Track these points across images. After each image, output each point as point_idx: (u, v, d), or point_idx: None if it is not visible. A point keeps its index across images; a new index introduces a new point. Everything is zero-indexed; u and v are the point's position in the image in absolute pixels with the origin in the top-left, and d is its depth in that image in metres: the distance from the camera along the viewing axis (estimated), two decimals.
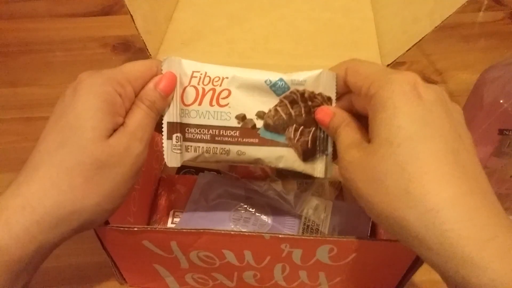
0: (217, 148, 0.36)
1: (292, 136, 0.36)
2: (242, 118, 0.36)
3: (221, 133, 0.36)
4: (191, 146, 0.36)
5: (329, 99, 0.36)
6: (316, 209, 0.48)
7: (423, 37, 0.42)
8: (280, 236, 0.36)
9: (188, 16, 0.52)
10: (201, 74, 0.36)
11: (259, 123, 0.36)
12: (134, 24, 0.42)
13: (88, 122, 0.30)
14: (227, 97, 0.36)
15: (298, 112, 0.36)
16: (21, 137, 0.60)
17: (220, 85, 0.36)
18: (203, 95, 0.36)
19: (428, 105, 0.28)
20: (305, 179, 0.52)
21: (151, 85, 0.35)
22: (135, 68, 0.35)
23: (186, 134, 0.36)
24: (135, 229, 0.36)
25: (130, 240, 0.37)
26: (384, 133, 0.28)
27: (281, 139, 0.36)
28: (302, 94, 0.36)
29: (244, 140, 0.36)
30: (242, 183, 0.51)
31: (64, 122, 0.31)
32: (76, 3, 0.80)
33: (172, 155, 0.36)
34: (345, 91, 0.35)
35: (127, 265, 0.42)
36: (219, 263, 0.40)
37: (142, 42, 0.44)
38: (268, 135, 0.36)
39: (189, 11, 0.53)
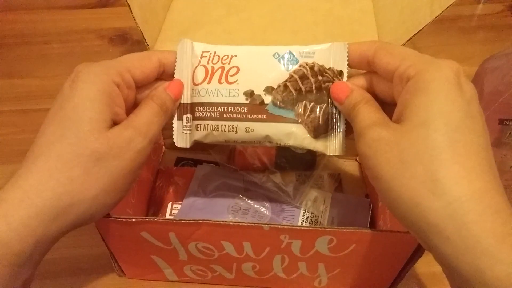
0: (225, 125, 0.36)
1: (302, 112, 0.35)
2: (250, 94, 0.36)
3: (229, 110, 0.36)
4: (200, 124, 0.36)
5: (340, 73, 0.35)
6: (315, 201, 0.48)
7: (422, 28, 0.41)
8: (279, 227, 0.36)
9: (186, 6, 0.52)
10: (210, 53, 0.37)
11: (267, 99, 0.35)
12: (132, 14, 0.42)
13: (86, 113, 0.30)
14: (235, 74, 0.36)
15: (308, 88, 0.35)
16: (18, 129, 0.59)
17: (229, 63, 0.36)
18: (212, 73, 0.36)
19: (468, 97, 0.28)
20: (304, 170, 0.52)
21: (161, 88, 0.35)
22: (134, 57, 0.35)
23: (196, 113, 0.36)
24: (134, 220, 0.36)
25: (129, 231, 0.37)
26: (422, 116, 0.28)
27: (291, 115, 0.35)
28: (312, 67, 0.35)
29: (252, 116, 0.36)
30: (241, 175, 0.50)
31: (62, 114, 0.31)
32: None
33: (181, 135, 0.37)
34: (363, 68, 0.35)
35: (126, 257, 0.42)
36: (218, 255, 0.40)
37: (139, 33, 0.44)
38: (276, 111, 0.35)
39: (187, 1, 0.53)
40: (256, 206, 0.47)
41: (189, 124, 0.37)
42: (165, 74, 0.37)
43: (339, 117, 0.35)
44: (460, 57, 0.69)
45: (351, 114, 0.33)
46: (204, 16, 0.51)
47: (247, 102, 0.36)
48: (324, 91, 0.35)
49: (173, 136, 0.37)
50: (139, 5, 0.43)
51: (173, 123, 0.37)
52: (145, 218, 0.37)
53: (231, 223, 0.36)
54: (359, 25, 0.49)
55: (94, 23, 0.74)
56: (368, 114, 0.31)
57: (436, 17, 0.40)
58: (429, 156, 0.26)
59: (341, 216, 0.47)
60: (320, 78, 0.35)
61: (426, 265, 0.42)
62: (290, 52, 0.36)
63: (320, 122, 0.35)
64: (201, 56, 0.37)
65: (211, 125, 0.36)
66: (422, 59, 0.30)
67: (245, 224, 0.36)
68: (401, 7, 0.46)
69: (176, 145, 0.37)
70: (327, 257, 0.39)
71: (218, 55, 0.36)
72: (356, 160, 0.56)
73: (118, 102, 0.32)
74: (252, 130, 0.36)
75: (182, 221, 0.36)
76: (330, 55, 0.36)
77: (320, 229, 0.36)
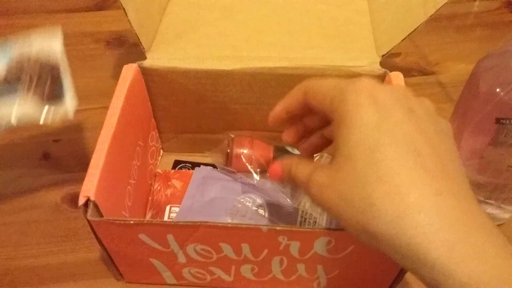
0: None
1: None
2: None
3: None
4: None
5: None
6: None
7: (417, 27, 0.42)
8: (277, 228, 0.36)
9: (181, 9, 0.52)
10: None
11: None
12: (127, 17, 0.42)
13: None
14: None
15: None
16: (15, 134, 0.59)
17: None
18: None
19: (384, 110, 0.28)
20: None
21: None
22: None
23: None
24: (131, 222, 0.36)
25: (127, 234, 0.37)
26: (344, 150, 0.28)
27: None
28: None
29: None
30: (238, 177, 0.50)
31: None
32: None
33: None
34: (305, 113, 0.35)
35: (124, 260, 0.42)
36: (216, 257, 0.40)
37: (135, 36, 0.44)
38: None
39: (182, 3, 0.53)
40: (254, 208, 0.47)
41: None
42: None
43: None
44: (457, 55, 0.69)
45: (294, 181, 0.33)
46: (199, 19, 0.51)
47: None
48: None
49: None
50: (134, 8, 0.43)
51: None
52: (143, 220, 0.37)
53: (229, 225, 0.36)
54: (354, 26, 0.50)
55: (90, 26, 0.74)
56: (302, 173, 0.32)
57: (430, 16, 0.40)
58: (361, 185, 0.26)
59: None
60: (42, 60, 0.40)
61: None
62: None
63: (46, 93, 0.40)
64: None
65: None
66: (338, 91, 0.30)
67: (243, 226, 0.36)
68: (395, 7, 0.46)
69: None
70: (325, 259, 0.39)
71: None
72: None
73: None
74: None
75: (180, 223, 0.36)
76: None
77: (318, 230, 0.36)
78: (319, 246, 0.37)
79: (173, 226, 0.37)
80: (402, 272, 0.40)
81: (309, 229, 0.37)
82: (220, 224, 0.36)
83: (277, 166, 0.36)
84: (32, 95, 0.39)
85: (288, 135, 0.38)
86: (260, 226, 0.36)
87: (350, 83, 0.29)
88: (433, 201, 0.25)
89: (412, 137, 0.27)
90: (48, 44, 0.42)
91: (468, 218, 0.24)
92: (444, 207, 0.25)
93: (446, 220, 0.24)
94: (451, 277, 0.23)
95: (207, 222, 0.36)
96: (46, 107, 0.40)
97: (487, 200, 0.47)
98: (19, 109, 0.40)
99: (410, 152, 0.26)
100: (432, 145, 0.27)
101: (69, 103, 0.41)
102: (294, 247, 0.38)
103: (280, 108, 0.36)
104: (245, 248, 0.38)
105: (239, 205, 0.48)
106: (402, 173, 0.26)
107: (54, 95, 0.41)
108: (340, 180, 0.28)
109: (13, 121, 0.40)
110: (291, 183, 0.35)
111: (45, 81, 0.40)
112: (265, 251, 0.38)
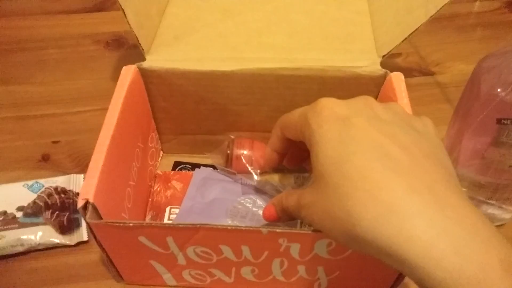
0: None
1: (49, 217, 0.47)
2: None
3: None
4: None
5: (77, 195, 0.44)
6: None
7: (417, 28, 0.41)
8: (277, 230, 0.35)
9: (181, 10, 0.52)
10: None
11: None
12: (126, 18, 0.42)
13: None
14: None
15: (54, 201, 0.48)
16: (15, 135, 0.59)
17: None
18: None
19: (346, 123, 0.29)
20: (302, 173, 0.52)
21: None
22: None
23: None
24: (131, 224, 0.36)
25: (126, 236, 0.37)
26: (317, 169, 0.29)
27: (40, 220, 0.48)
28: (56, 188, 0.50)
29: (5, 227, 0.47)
30: (239, 179, 0.50)
31: None
32: (68, 0, 0.79)
33: None
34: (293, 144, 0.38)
35: (124, 262, 0.42)
36: (216, 259, 0.39)
37: (135, 38, 0.44)
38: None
39: (182, 5, 0.53)
40: (254, 209, 0.47)
41: None
42: None
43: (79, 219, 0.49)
44: (458, 55, 0.69)
45: (288, 212, 0.35)
46: (199, 20, 0.51)
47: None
48: (67, 204, 0.49)
49: None
50: (133, 10, 0.43)
51: None
52: (143, 223, 0.37)
53: (229, 227, 0.36)
54: (354, 27, 0.49)
55: (90, 27, 0.74)
56: (292, 202, 0.34)
57: (431, 16, 0.40)
58: (337, 197, 0.27)
59: None
60: (62, 195, 0.49)
61: None
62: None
63: (65, 223, 0.47)
64: None
65: None
66: (302, 120, 0.32)
67: (243, 228, 0.36)
68: (396, 8, 0.46)
69: None
70: (326, 260, 0.39)
71: None
72: None
73: None
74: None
75: (180, 225, 0.36)
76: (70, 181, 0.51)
77: (318, 232, 0.36)
78: (320, 248, 0.37)
79: (173, 229, 0.36)
80: (402, 274, 0.40)
81: (309, 231, 0.37)
82: (220, 227, 0.36)
83: (269, 207, 0.37)
84: (53, 223, 0.47)
85: (289, 162, 0.43)
86: (260, 229, 0.35)
87: (311, 107, 0.31)
88: (406, 200, 0.25)
89: (379, 142, 0.27)
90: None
91: (446, 212, 0.24)
92: (419, 204, 0.25)
93: (422, 216, 0.24)
94: (431, 274, 0.23)
95: (207, 224, 0.35)
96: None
97: (488, 201, 0.46)
98: (42, 236, 0.47)
99: (378, 156, 0.27)
100: (401, 146, 0.27)
101: (85, 229, 0.49)
102: (295, 249, 0.37)
103: (268, 151, 0.40)
104: (245, 250, 0.38)
105: (239, 206, 0.48)
106: (372, 177, 0.26)
107: (72, 223, 0.49)
108: (320, 197, 0.29)
109: (35, 244, 0.47)
110: (287, 216, 0.36)
111: (64, 212, 0.48)
112: (266, 253, 0.38)
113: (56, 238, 0.47)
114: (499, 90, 0.39)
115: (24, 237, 0.47)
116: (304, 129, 0.31)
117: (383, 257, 0.26)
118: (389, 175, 0.26)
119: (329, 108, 0.30)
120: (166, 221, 0.49)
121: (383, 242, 0.25)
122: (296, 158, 0.43)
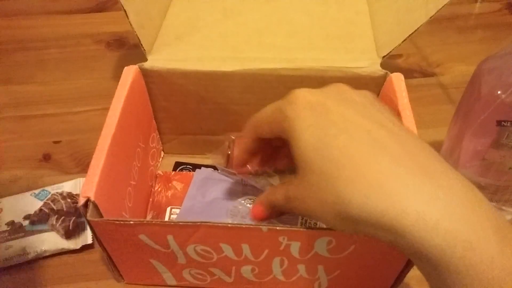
0: None
1: (54, 222, 0.47)
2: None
3: None
4: None
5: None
6: None
7: (418, 28, 0.41)
8: (278, 228, 0.35)
9: (182, 10, 0.52)
10: None
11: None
12: (128, 19, 0.42)
13: None
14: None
15: (60, 207, 0.49)
16: (16, 135, 0.59)
17: None
18: None
19: (321, 108, 0.29)
20: None
21: None
22: None
23: None
24: (131, 222, 0.36)
25: (127, 234, 0.37)
26: (299, 159, 0.29)
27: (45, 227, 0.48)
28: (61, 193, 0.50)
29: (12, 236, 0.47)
30: (239, 179, 0.50)
31: None
32: (69, 0, 0.80)
33: None
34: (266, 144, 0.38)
35: (124, 261, 0.42)
36: (216, 258, 0.39)
37: (136, 38, 0.44)
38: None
39: (183, 5, 0.53)
40: None
41: None
42: None
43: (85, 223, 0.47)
44: (458, 56, 0.69)
45: (277, 207, 0.35)
46: (200, 20, 0.51)
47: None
48: (73, 209, 0.49)
49: None
50: (135, 10, 0.43)
51: None
52: (143, 220, 0.37)
53: (229, 225, 0.36)
54: (354, 27, 0.49)
55: (91, 27, 0.74)
56: (279, 196, 0.33)
57: (431, 17, 0.40)
58: (324, 182, 0.27)
59: None
60: (69, 200, 0.50)
61: None
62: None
63: (71, 227, 0.47)
64: None
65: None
66: (279, 110, 0.32)
67: (243, 226, 0.36)
68: (396, 8, 0.46)
69: None
70: (326, 259, 0.39)
71: None
72: None
73: None
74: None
75: (180, 223, 0.36)
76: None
77: (319, 230, 0.36)
78: (320, 246, 0.37)
79: (173, 226, 0.36)
80: (403, 273, 0.40)
81: (309, 229, 0.37)
82: (220, 224, 0.36)
83: (257, 206, 0.37)
84: (58, 228, 0.47)
85: (260, 163, 0.42)
86: (261, 226, 0.36)
87: (285, 99, 0.31)
88: (393, 172, 0.25)
89: (358, 122, 0.28)
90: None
91: (435, 180, 0.25)
92: (406, 175, 0.25)
93: (411, 186, 0.25)
94: (426, 241, 0.23)
95: (207, 222, 0.36)
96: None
97: None
98: (47, 242, 0.47)
99: (359, 136, 0.27)
100: (378, 123, 0.28)
101: (90, 233, 0.48)
102: (295, 248, 0.37)
103: (239, 153, 0.40)
104: (246, 248, 0.38)
105: (240, 207, 0.48)
106: (357, 156, 0.26)
107: (77, 227, 0.49)
108: (307, 185, 0.29)
109: (41, 251, 0.47)
110: (276, 212, 0.36)
111: (70, 217, 0.48)
112: (266, 251, 0.38)
113: (62, 244, 0.47)
114: (499, 92, 0.40)
115: (30, 245, 0.47)
116: (281, 122, 0.31)
117: (378, 232, 0.26)
118: (372, 151, 0.26)
119: (304, 97, 0.30)
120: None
121: (376, 217, 0.25)
122: (267, 158, 0.42)
